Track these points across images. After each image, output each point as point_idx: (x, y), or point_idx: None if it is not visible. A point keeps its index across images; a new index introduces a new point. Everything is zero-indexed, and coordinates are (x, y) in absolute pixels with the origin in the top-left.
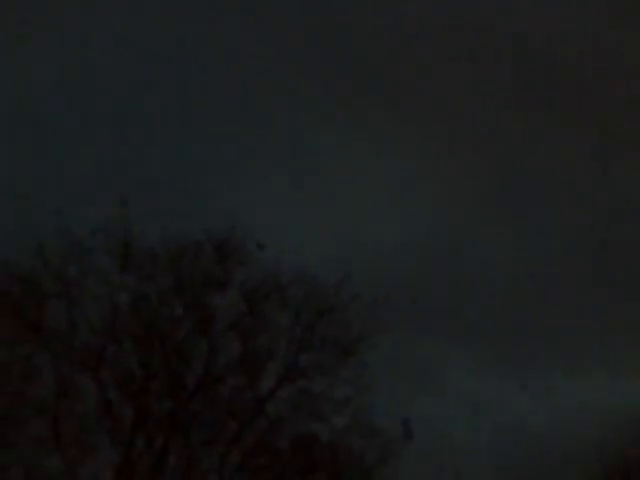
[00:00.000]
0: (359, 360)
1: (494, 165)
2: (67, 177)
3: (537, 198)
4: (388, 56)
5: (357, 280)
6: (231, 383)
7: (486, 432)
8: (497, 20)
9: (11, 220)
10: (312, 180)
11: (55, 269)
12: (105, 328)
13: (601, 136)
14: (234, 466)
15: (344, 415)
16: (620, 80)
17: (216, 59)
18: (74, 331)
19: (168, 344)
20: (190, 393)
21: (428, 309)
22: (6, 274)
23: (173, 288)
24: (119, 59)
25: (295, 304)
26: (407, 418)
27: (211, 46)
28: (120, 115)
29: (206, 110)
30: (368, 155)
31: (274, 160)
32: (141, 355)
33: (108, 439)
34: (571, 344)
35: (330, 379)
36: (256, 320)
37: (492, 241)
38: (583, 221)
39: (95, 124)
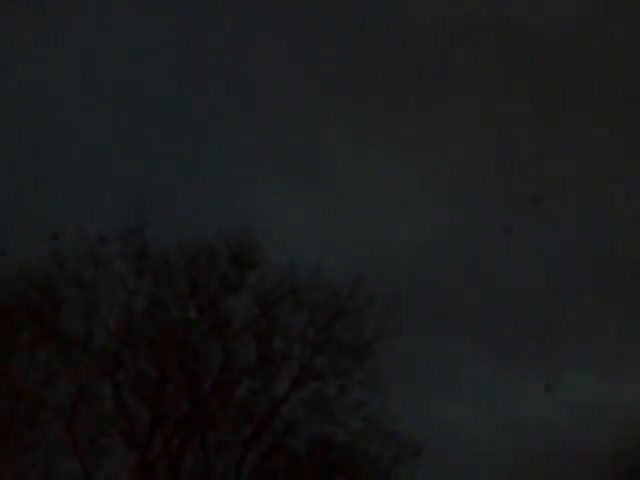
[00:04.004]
0: (374, 362)
1: (509, 166)
2: (82, 183)
3: (555, 201)
4: (402, 57)
5: (371, 282)
6: (246, 386)
7: (502, 432)
8: (498, 19)
9: (28, 226)
10: (327, 182)
11: (72, 274)
12: (121, 332)
13: (607, 135)
14: (250, 468)
15: (359, 417)
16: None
17: (233, 60)
18: (91, 336)
19: (184, 347)
20: (206, 396)
21: (443, 309)
22: (23, 279)
23: (188, 292)
24: (133, 65)
25: (309, 307)
26: None
27: (228, 46)
28: (134, 120)
29: (220, 112)
30: (383, 156)
31: (288, 162)
32: (157, 359)
33: (125, 442)
34: (589, 343)
35: (345, 381)
36: (271, 323)
37: (507, 241)
38: (587, 220)
39: (109, 129)
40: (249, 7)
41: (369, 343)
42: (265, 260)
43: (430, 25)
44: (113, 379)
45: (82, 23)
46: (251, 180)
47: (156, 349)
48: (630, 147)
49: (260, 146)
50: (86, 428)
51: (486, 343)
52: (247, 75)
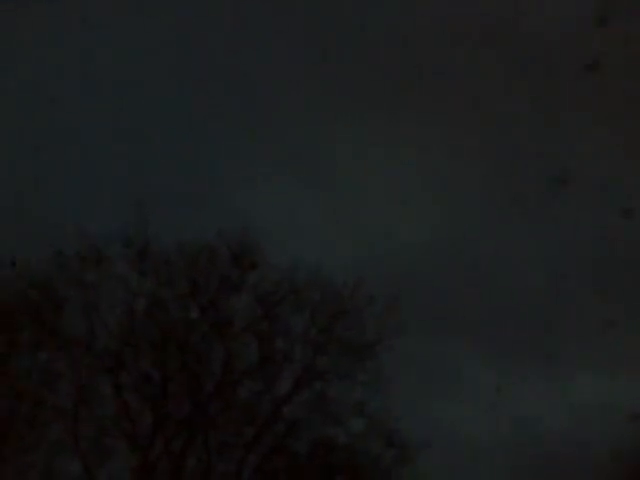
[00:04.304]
0: (375, 363)
1: (509, 165)
2: (84, 183)
3: (555, 201)
4: (402, 57)
5: (372, 281)
6: (248, 386)
7: (502, 432)
8: (499, 20)
9: (29, 226)
10: (327, 182)
11: (73, 274)
12: (122, 333)
13: (607, 135)
14: (252, 469)
15: (361, 418)
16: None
17: (233, 60)
18: (92, 336)
19: (185, 348)
20: (207, 397)
21: (443, 309)
22: (24, 279)
23: (189, 292)
24: (133, 65)
25: (311, 307)
26: None
27: (228, 46)
28: (134, 120)
29: (220, 112)
30: (383, 156)
31: (288, 162)
32: (158, 359)
33: (127, 443)
34: (590, 342)
35: (347, 382)
36: (272, 323)
37: (507, 240)
38: (591, 220)
39: (109, 129)
40: (249, 7)
41: (371, 344)
42: (265, 260)
43: (430, 25)
44: (114, 380)
45: (82, 23)
46: (251, 180)
47: (157, 349)
48: (630, 147)
49: (260, 146)
50: (88, 429)
51: (486, 343)
52: (247, 75)
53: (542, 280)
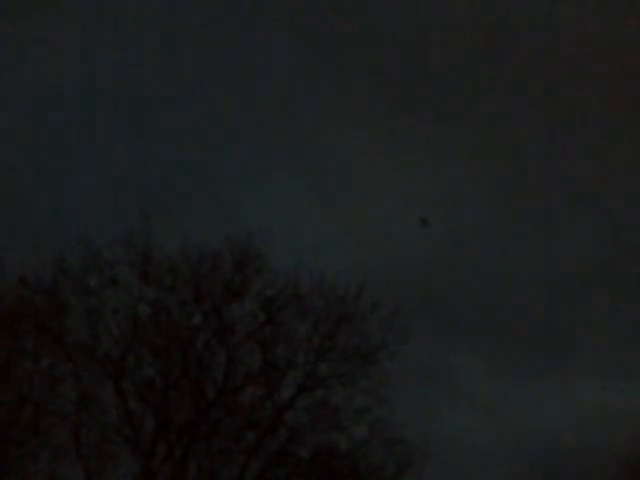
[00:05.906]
0: (378, 369)
1: (511, 169)
2: (86, 190)
3: (554, 201)
4: (403, 58)
5: (372, 283)
6: (250, 392)
7: (505, 437)
8: (499, 20)
9: (32, 233)
10: (327, 181)
11: (76, 281)
12: (125, 339)
13: (607, 135)
14: (254, 476)
15: (363, 425)
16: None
17: (233, 60)
18: (95, 342)
19: (188, 354)
20: (210, 402)
21: (444, 310)
22: (29, 286)
23: (192, 298)
24: (133, 65)
25: (314, 313)
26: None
27: (228, 46)
28: (137, 126)
29: (222, 118)
30: (385, 160)
31: (288, 162)
32: (161, 365)
33: (129, 448)
34: (590, 343)
35: (349, 388)
36: (275, 329)
37: (509, 246)
38: (591, 220)
39: (109, 129)
40: (249, 7)
41: (374, 350)
42: (268, 266)
43: (430, 25)
44: (117, 385)
45: (82, 23)
46: (251, 180)
47: (160, 356)
48: (630, 147)
49: (260, 146)
50: (90, 434)
51: (486, 344)
52: (247, 75)
53: (542, 280)
